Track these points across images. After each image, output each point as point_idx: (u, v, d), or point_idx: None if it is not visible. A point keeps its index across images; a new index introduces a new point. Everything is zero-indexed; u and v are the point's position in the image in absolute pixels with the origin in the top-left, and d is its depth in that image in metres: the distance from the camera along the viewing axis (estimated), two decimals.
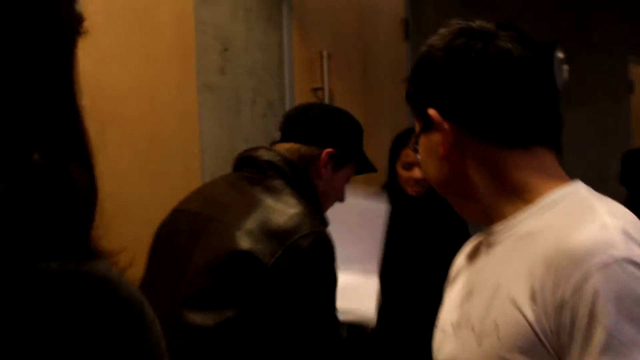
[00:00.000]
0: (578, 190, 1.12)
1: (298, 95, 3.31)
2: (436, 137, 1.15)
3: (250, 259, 1.58)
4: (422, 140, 1.19)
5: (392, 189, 2.97)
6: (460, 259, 1.31)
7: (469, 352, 1.13)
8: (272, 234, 1.61)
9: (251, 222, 1.64)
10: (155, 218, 2.16)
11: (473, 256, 1.25)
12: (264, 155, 1.75)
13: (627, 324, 0.98)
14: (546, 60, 3.56)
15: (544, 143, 1.14)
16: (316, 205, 1.74)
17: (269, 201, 1.67)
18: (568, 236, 1.03)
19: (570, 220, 1.07)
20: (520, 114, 1.12)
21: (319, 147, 1.73)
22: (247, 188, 1.74)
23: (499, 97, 1.11)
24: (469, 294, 1.19)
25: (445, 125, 1.12)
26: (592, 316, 0.99)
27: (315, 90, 3.42)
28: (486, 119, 1.12)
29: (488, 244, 1.18)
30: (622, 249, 0.99)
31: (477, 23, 1.15)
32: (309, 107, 1.91)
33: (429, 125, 1.15)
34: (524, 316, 1.04)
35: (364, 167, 1.93)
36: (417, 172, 2.73)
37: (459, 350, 1.16)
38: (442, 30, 1.16)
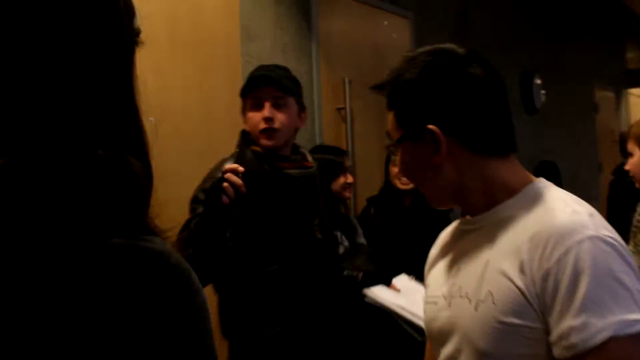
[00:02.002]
0: (545, 185, 1.23)
1: (325, 113, 3.51)
2: (427, 148, 1.20)
3: None
4: (407, 148, 1.24)
5: (387, 190, 3.13)
6: (436, 247, 1.39)
7: (467, 317, 1.17)
8: None
9: None
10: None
11: (452, 242, 1.32)
12: None
13: (600, 290, 1.05)
14: (526, 87, 4.39)
15: (514, 150, 1.25)
16: None
17: None
18: (549, 220, 1.12)
19: (546, 208, 1.16)
20: (502, 131, 1.23)
21: None
22: None
23: (488, 117, 1.21)
24: (456, 270, 1.25)
25: (444, 140, 1.19)
26: (573, 283, 1.06)
27: (339, 109, 3.63)
28: (481, 136, 1.21)
29: (468, 230, 1.27)
30: (592, 229, 1.09)
31: (460, 50, 1.22)
32: None
33: (419, 137, 1.20)
34: (515, 284, 1.11)
35: None
36: None
37: (457, 316, 1.20)
38: (427, 58, 1.21)
